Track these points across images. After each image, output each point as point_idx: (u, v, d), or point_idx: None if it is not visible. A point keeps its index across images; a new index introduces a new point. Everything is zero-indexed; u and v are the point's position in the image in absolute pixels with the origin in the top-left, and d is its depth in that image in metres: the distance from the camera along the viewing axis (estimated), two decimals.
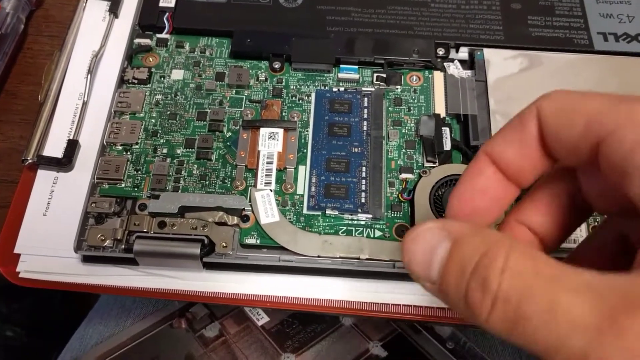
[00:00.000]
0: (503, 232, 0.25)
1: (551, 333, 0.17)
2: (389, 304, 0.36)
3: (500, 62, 0.42)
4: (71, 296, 0.37)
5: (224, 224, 0.36)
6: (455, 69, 0.42)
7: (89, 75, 0.41)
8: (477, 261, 0.19)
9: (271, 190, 0.37)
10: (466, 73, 0.42)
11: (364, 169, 0.38)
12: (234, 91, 0.41)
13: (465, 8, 0.44)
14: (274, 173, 0.38)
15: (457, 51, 0.43)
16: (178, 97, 0.41)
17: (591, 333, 0.16)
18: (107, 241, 0.35)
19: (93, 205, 0.37)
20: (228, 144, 0.39)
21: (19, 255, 0.36)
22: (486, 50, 0.42)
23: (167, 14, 0.43)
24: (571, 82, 0.41)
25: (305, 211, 0.37)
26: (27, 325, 0.64)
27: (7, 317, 0.63)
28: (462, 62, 0.43)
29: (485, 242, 0.19)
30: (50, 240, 0.37)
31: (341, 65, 0.42)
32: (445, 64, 0.42)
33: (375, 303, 0.36)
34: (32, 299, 0.63)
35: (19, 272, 0.36)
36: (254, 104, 0.41)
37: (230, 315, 0.45)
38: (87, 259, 0.36)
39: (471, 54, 0.43)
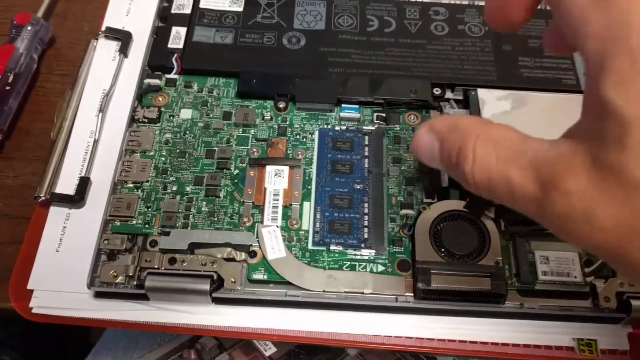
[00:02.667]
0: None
1: (515, 204, 0.23)
2: (391, 336, 0.38)
3: (493, 102, 0.44)
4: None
5: (232, 259, 0.38)
6: (450, 109, 0.44)
7: (100, 114, 0.43)
8: (455, 159, 0.24)
9: (277, 227, 0.39)
10: (461, 112, 0.44)
11: (366, 205, 0.40)
12: (241, 130, 0.43)
13: (460, 50, 0.47)
14: (280, 209, 0.40)
15: (452, 91, 0.45)
16: (187, 135, 0.42)
17: (534, 202, 0.22)
18: (120, 277, 0.37)
19: (105, 242, 0.38)
20: (235, 181, 0.41)
21: (31, 291, 0.37)
22: (480, 90, 0.44)
23: (175, 55, 0.45)
24: (561, 121, 0.42)
25: (310, 246, 0.39)
26: (24, 351, 0.64)
27: (3, 341, 0.63)
28: (457, 101, 0.45)
29: (460, 138, 0.24)
30: (62, 276, 0.38)
31: (342, 105, 0.44)
32: (441, 103, 0.44)
33: (379, 335, 0.38)
34: (30, 323, 0.63)
35: (31, 308, 0.37)
36: (260, 142, 0.42)
37: (238, 345, 0.46)
38: (99, 295, 0.37)
39: (466, 94, 0.45)
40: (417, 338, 0.38)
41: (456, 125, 0.25)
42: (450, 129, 0.25)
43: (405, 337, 0.38)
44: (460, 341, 0.38)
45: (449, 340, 0.38)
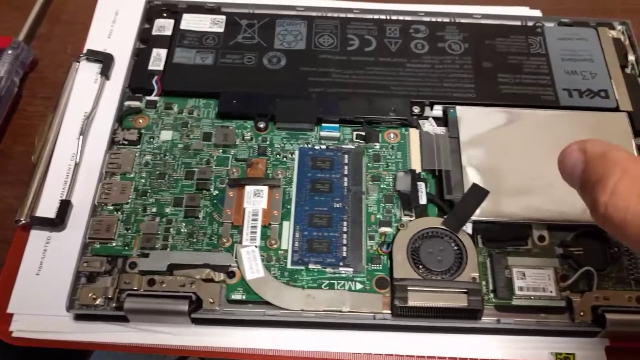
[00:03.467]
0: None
1: None
2: (371, 354, 0.38)
3: (472, 119, 0.44)
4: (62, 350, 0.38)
5: (211, 280, 0.38)
6: (430, 126, 0.45)
7: (81, 137, 0.43)
8: (593, 184, 0.25)
9: (256, 247, 0.39)
10: (441, 130, 0.44)
11: (344, 223, 0.40)
12: (221, 150, 0.43)
13: (439, 68, 0.47)
14: (259, 229, 0.40)
15: (431, 109, 0.46)
16: (167, 157, 0.43)
17: None
18: (99, 299, 0.37)
19: (85, 264, 0.38)
20: (215, 201, 0.41)
21: (11, 314, 0.38)
22: (459, 108, 0.44)
23: (156, 76, 0.46)
24: (540, 137, 0.43)
25: (289, 266, 0.39)
26: None
27: None
28: (436, 119, 0.45)
29: (605, 166, 0.25)
30: (42, 299, 0.38)
31: (322, 124, 0.44)
32: (420, 121, 0.45)
33: (359, 353, 0.38)
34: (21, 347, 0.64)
35: (12, 332, 0.37)
36: (240, 162, 0.43)
37: None
38: (79, 317, 0.38)
39: (445, 112, 0.45)
40: (396, 355, 0.38)
41: (606, 153, 0.26)
42: (599, 154, 0.26)
43: (385, 355, 0.38)
44: (439, 357, 0.38)
45: (428, 357, 0.38)
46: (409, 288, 0.37)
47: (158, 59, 0.46)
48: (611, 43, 0.49)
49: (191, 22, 0.49)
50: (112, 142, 0.43)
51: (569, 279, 0.39)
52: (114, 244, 0.39)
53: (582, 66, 0.48)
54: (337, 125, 0.44)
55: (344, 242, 0.40)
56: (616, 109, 0.46)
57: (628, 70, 0.49)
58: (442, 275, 0.38)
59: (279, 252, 0.39)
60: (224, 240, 0.39)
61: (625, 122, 0.45)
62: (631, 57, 0.49)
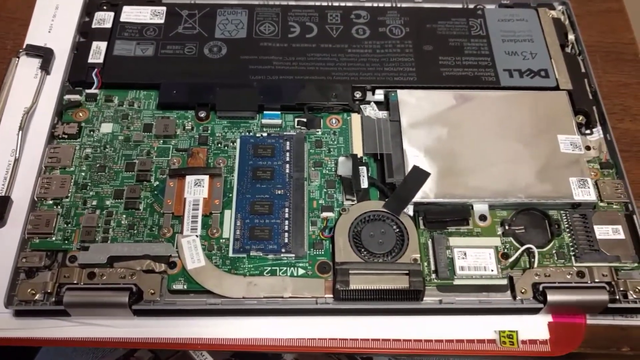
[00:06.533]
0: None
1: None
2: (314, 339, 0.38)
3: (413, 102, 0.44)
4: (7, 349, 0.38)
5: (152, 271, 0.38)
6: (371, 111, 0.45)
7: (21, 132, 0.43)
8: None
9: (197, 236, 0.39)
10: (382, 114, 0.45)
11: (286, 210, 0.40)
12: (161, 141, 0.43)
13: (380, 52, 0.47)
14: (199, 219, 0.40)
15: (373, 93, 0.46)
16: (107, 149, 0.43)
17: None
18: (38, 295, 0.37)
19: (24, 260, 0.38)
20: (155, 192, 0.41)
21: None
22: (400, 92, 0.45)
23: (96, 69, 0.45)
24: (482, 118, 0.44)
25: (230, 254, 0.39)
26: None
27: None
28: (378, 103, 0.45)
29: None
30: None
31: (264, 112, 0.44)
32: (362, 106, 0.45)
33: (302, 338, 0.38)
34: None
35: None
36: (181, 152, 0.43)
37: (174, 357, 0.46)
38: (19, 314, 0.37)
39: (386, 96, 0.45)
40: (339, 339, 0.38)
41: None
42: None
43: (328, 339, 0.38)
44: (382, 340, 0.38)
45: (372, 340, 0.38)
46: (350, 271, 0.38)
47: (98, 52, 0.46)
48: (551, 23, 0.50)
49: (131, 14, 0.48)
50: (52, 137, 0.43)
51: (510, 257, 0.39)
52: (53, 239, 0.39)
53: (522, 47, 0.48)
54: (279, 112, 0.45)
55: (286, 228, 0.40)
56: (556, 88, 0.46)
57: (568, 50, 0.49)
58: (383, 258, 0.39)
59: (221, 240, 0.39)
60: (165, 231, 0.39)
61: (566, 100, 0.45)
62: (571, 37, 0.50)
